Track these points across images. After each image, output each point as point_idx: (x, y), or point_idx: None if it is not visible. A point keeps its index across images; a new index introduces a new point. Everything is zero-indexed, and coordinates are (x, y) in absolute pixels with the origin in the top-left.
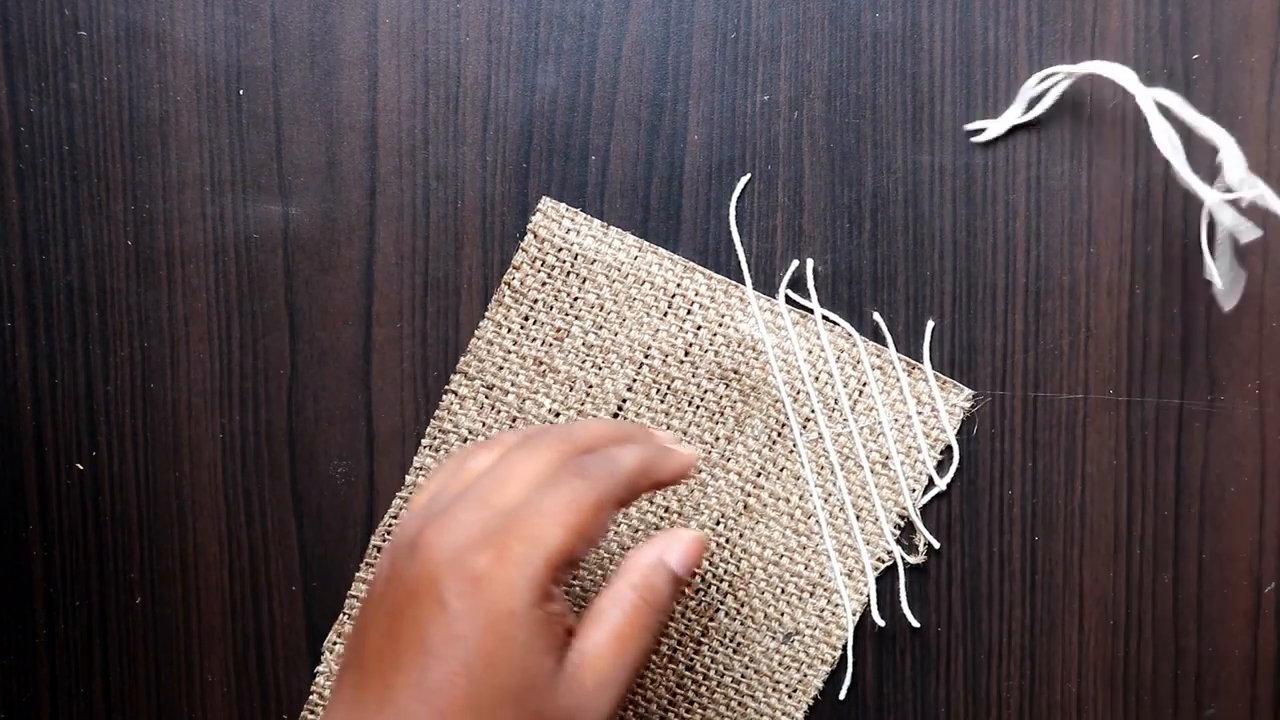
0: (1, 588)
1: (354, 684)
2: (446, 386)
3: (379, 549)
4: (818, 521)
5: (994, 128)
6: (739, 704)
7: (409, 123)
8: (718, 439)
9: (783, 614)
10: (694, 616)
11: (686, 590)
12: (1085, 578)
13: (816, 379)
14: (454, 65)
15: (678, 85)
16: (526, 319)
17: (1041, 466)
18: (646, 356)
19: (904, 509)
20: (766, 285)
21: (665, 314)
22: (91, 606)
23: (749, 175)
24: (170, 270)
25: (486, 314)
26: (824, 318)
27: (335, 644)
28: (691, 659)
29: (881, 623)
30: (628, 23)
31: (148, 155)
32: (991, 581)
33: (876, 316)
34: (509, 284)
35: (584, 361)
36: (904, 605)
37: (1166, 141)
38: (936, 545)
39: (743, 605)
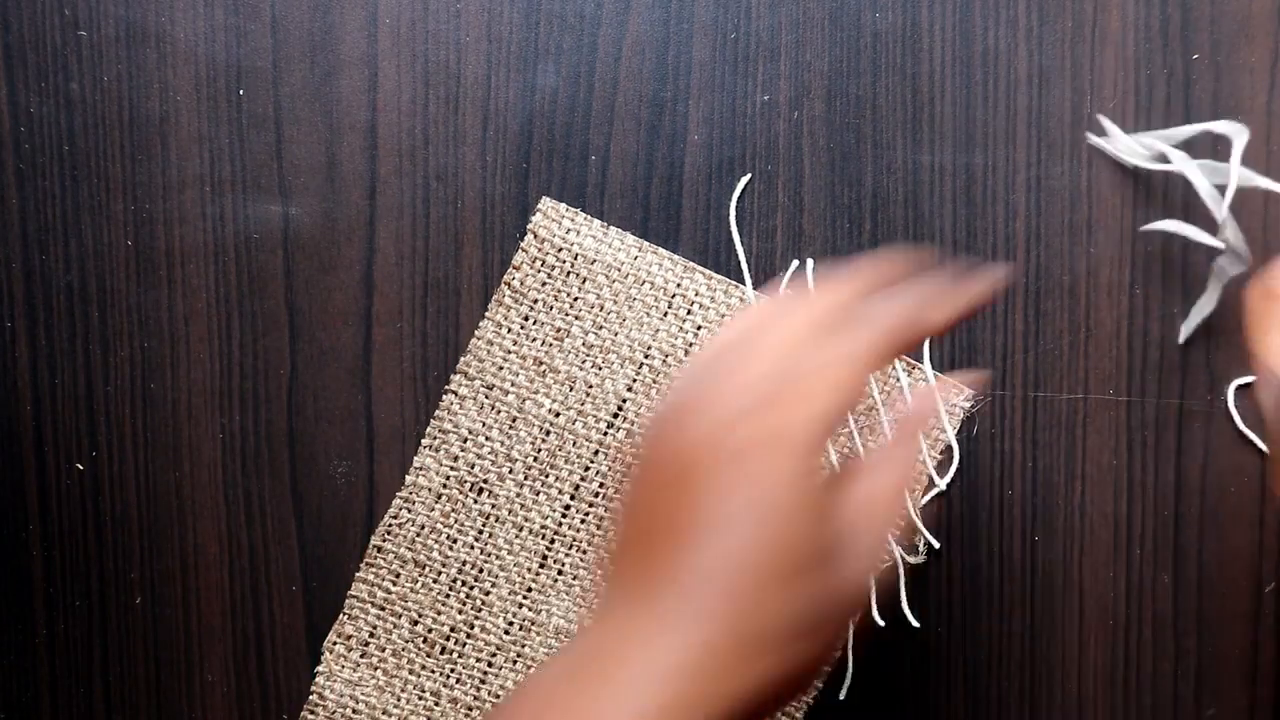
0: (1, 588)
1: (631, 573)
2: (446, 386)
3: (379, 549)
4: None
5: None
6: None
7: (409, 123)
8: None
9: None
10: None
11: None
12: (1085, 578)
13: None
14: (454, 65)
15: (678, 85)
16: (526, 319)
17: (1041, 466)
18: (646, 356)
19: (904, 509)
20: (766, 285)
21: (665, 314)
22: (91, 606)
23: (749, 175)
24: (170, 270)
25: (486, 314)
26: None
27: (335, 644)
28: None
29: (881, 623)
30: (628, 23)
31: (148, 155)
32: (991, 581)
33: None
34: (509, 284)
35: (584, 361)
36: (904, 605)
37: (1211, 200)
38: (936, 545)
39: None
